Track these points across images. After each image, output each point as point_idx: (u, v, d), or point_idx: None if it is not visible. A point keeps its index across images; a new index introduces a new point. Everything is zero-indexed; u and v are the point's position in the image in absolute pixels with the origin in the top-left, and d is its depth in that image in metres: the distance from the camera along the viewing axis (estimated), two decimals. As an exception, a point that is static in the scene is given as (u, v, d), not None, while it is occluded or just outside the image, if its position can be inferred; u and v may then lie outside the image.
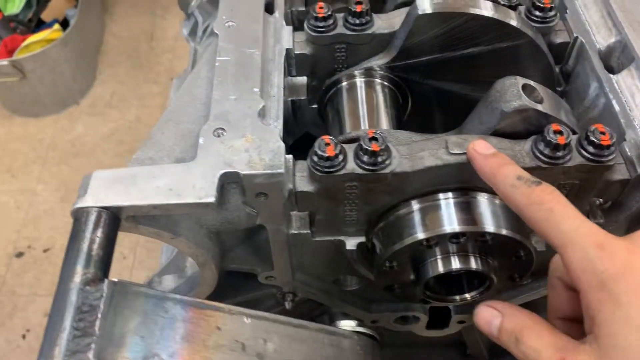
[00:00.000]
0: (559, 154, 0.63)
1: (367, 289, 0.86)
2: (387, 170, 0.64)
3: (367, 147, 0.63)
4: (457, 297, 0.75)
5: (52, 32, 2.61)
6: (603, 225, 0.73)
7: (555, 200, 0.54)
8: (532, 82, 0.67)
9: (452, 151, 0.64)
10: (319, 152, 0.64)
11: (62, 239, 2.48)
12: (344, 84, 0.82)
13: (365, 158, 0.64)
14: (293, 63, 0.81)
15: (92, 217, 0.58)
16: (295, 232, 0.74)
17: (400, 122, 0.81)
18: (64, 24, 2.77)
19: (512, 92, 0.65)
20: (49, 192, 2.61)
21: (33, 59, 2.53)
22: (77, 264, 0.55)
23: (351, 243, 0.75)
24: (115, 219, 0.59)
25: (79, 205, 0.59)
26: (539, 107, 0.65)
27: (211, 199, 0.59)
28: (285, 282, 0.81)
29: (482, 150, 0.62)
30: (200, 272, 0.71)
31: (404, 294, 0.76)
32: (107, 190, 0.60)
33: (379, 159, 0.64)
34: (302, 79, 0.85)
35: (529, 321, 0.54)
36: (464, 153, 0.64)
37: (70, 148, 2.75)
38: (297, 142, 0.92)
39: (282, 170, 0.62)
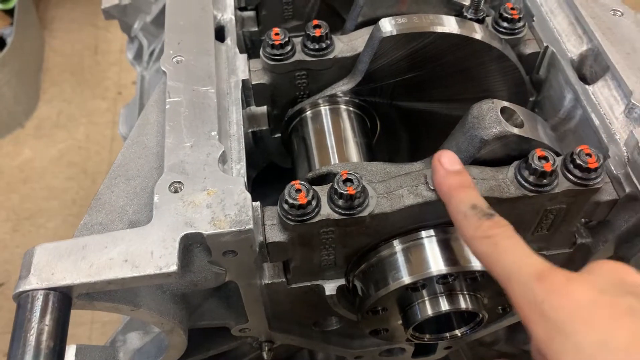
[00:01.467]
0: (545, 181, 0.59)
1: (348, 327, 0.81)
2: (364, 213, 0.59)
3: (342, 191, 0.58)
4: (447, 335, 0.70)
5: (-13, 54, 2.46)
6: (591, 244, 0.70)
7: (502, 234, 0.53)
8: (509, 105, 0.62)
9: (432, 187, 0.59)
10: (290, 200, 0.58)
11: (16, 273, 2.33)
12: (308, 112, 0.77)
13: (341, 202, 0.59)
14: (251, 94, 0.75)
15: (39, 302, 0.51)
16: (269, 281, 0.68)
17: (370, 149, 0.75)
18: (1, 43, 2.61)
19: (491, 118, 0.60)
20: (-2, 223, 2.47)
21: (-31, 84, 2.39)
22: (24, 360, 0.48)
23: (330, 287, 0.70)
24: (66, 300, 0.52)
25: (22, 288, 0.52)
26: (520, 131, 0.61)
27: (173, 267, 0.53)
28: (261, 332, 0.76)
29: (447, 164, 0.59)
30: (168, 339, 0.64)
31: (390, 335, 0.72)
32: (53, 267, 0.53)
33: (356, 202, 0.59)
34: (262, 109, 0.79)
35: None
36: (446, 189, 0.59)
37: (18, 174, 2.61)
38: (262, 173, 0.87)
39: (250, 226, 0.56)
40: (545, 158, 0.59)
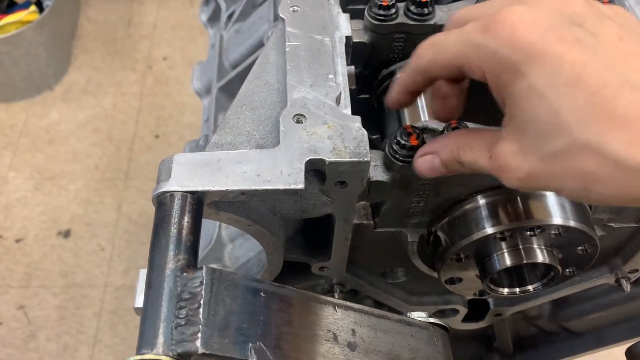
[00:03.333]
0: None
1: (411, 282, 0.86)
2: (467, 161, 0.64)
3: (451, 137, 0.63)
4: (517, 290, 0.75)
5: (28, 14, 2.50)
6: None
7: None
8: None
9: (532, 144, 0.65)
10: (402, 141, 0.63)
11: (35, 229, 2.39)
12: (400, 74, 0.82)
13: (447, 148, 0.64)
14: (349, 52, 0.80)
15: (179, 201, 0.56)
16: (358, 222, 0.73)
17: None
18: (38, 5, 2.65)
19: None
20: (21, 180, 2.50)
21: (7, 41, 2.42)
22: (169, 249, 0.53)
23: (413, 235, 0.74)
24: (200, 204, 0.57)
25: (164, 189, 0.56)
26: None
27: (300, 185, 0.58)
28: (338, 274, 0.80)
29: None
30: (268, 260, 0.69)
31: (461, 287, 0.77)
32: (191, 174, 0.57)
33: (460, 150, 0.64)
34: (351, 69, 0.83)
35: (459, 141, 0.57)
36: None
37: (44, 135, 2.65)
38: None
39: (368, 159, 0.61)
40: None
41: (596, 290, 0.90)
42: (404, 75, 0.62)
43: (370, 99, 0.86)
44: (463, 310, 0.92)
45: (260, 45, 1.00)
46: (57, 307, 2.19)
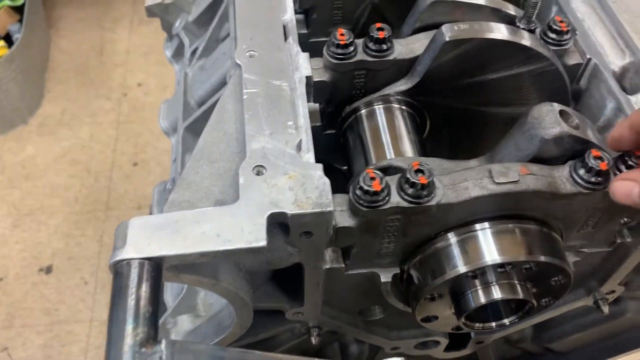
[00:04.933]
0: (600, 179, 0.64)
1: (390, 317, 0.85)
2: (432, 203, 0.63)
3: (414, 180, 0.62)
4: (494, 324, 0.74)
5: (-3, 49, 2.47)
6: (631, 244, 0.74)
7: None
8: (567, 108, 0.67)
9: (497, 180, 0.64)
10: (365, 187, 0.62)
11: (15, 267, 2.35)
12: (364, 111, 0.81)
13: (411, 191, 0.63)
14: (310, 91, 0.79)
15: (135, 270, 0.54)
16: (328, 266, 0.71)
17: (423, 146, 0.80)
18: (7, 40, 2.62)
19: (551, 119, 0.65)
20: (-2, 218, 2.46)
21: (-23, 77, 2.39)
22: (126, 323, 0.51)
23: (386, 275, 0.73)
24: (158, 270, 0.55)
25: (120, 257, 0.54)
26: (577, 132, 0.65)
27: (262, 242, 0.56)
28: (313, 317, 0.79)
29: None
30: (236, 315, 0.67)
31: (438, 324, 0.75)
32: (148, 239, 0.56)
33: (425, 192, 0.63)
34: (315, 106, 0.82)
35: None
36: (510, 182, 0.64)
37: (20, 170, 2.61)
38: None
39: (331, 208, 0.60)
40: (601, 158, 0.64)
41: (576, 311, 0.89)
42: None
43: (336, 134, 0.85)
44: (444, 341, 0.91)
45: (224, 82, 0.98)
46: (42, 346, 2.15)
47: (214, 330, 0.74)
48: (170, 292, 0.96)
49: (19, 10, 2.68)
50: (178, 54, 1.17)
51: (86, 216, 2.48)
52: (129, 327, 0.51)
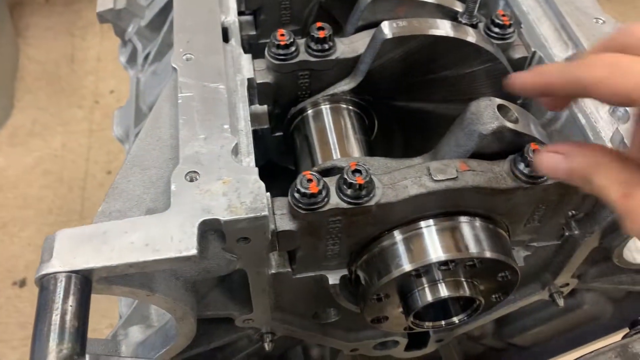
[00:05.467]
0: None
1: (346, 319, 0.84)
2: (371, 203, 0.62)
3: (351, 181, 0.61)
4: (443, 323, 0.74)
5: (-38, 60, 2.43)
6: (578, 236, 0.74)
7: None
8: (505, 102, 0.67)
9: (435, 178, 0.63)
10: (302, 189, 0.61)
11: (-10, 282, 2.31)
12: (310, 111, 0.80)
13: (349, 191, 0.62)
14: (255, 92, 0.78)
15: (62, 284, 0.52)
16: (275, 271, 0.70)
17: (370, 146, 0.79)
18: (-26, 50, 2.58)
19: (489, 114, 0.64)
20: (-30, 232, 2.42)
21: (-58, 90, 2.35)
22: (49, 339, 0.50)
23: (334, 277, 0.72)
24: (86, 283, 0.54)
25: (45, 271, 0.53)
26: (516, 126, 0.65)
27: (193, 251, 0.55)
28: (264, 323, 0.78)
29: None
30: (178, 325, 0.66)
31: (389, 324, 0.74)
32: (74, 251, 0.54)
33: (363, 192, 0.62)
34: (263, 108, 0.81)
35: (599, 157, 0.50)
36: (449, 179, 0.63)
37: (-9, 182, 2.57)
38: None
39: (265, 213, 0.58)
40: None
41: (534, 305, 0.88)
42: (556, 74, 0.52)
43: (284, 136, 0.84)
44: (404, 341, 0.90)
45: (175, 87, 0.97)
46: (17, 361, 2.12)
47: (161, 342, 0.72)
48: (125, 302, 0.95)
49: (-16, 20, 2.64)
50: (132, 59, 1.15)
51: (60, 227, 2.42)
52: (53, 344, 0.50)
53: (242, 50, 0.79)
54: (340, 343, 0.86)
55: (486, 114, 0.64)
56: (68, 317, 0.51)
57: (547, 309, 0.94)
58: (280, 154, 0.87)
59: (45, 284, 0.53)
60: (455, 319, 0.73)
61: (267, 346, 0.78)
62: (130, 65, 1.17)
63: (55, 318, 0.51)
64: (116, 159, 2.64)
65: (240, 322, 0.75)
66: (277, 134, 0.85)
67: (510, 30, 0.78)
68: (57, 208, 2.48)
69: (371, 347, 0.89)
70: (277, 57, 0.75)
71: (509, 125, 0.64)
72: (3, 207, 2.48)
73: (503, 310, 0.86)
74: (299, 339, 0.91)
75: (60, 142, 2.69)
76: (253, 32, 0.94)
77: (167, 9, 1.09)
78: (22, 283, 2.29)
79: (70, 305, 0.52)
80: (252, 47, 0.96)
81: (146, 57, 1.09)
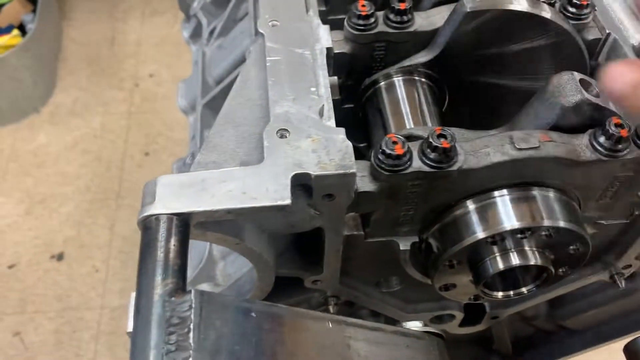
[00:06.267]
0: (620, 146, 0.65)
1: (406, 289, 0.86)
2: (454, 168, 0.64)
3: (436, 144, 0.63)
4: (512, 292, 0.75)
5: (11, 38, 2.49)
6: (647, 219, 0.75)
7: None
8: (587, 77, 0.68)
9: (518, 146, 0.65)
10: (387, 151, 0.63)
11: (28, 255, 2.37)
12: (383, 83, 0.82)
13: (433, 155, 0.63)
14: (331, 63, 0.80)
15: (164, 225, 0.55)
16: (348, 233, 0.72)
17: (443, 119, 0.80)
18: (21, 29, 2.65)
19: (571, 87, 0.66)
20: (11, 205, 2.48)
21: (-9, 65, 2.41)
22: (156, 274, 0.52)
23: (404, 243, 0.74)
24: (186, 226, 0.56)
25: (149, 212, 0.56)
26: (598, 100, 0.66)
27: (287, 201, 0.57)
28: (331, 286, 0.80)
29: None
30: (258, 277, 0.68)
31: (456, 293, 0.76)
32: (176, 196, 0.57)
33: (446, 157, 0.63)
34: (333, 79, 0.83)
35: None
36: (531, 148, 0.64)
37: (33, 158, 2.63)
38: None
39: (354, 170, 0.60)
40: (621, 125, 0.64)
41: (591, 287, 0.90)
42: None
43: (355, 108, 0.86)
44: (460, 315, 0.91)
45: (242, 60, 0.99)
46: (53, 332, 2.17)
47: (235, 296, 0.75)
48: (190, 264, 0.97)
49: (32, 0, 2.71)
50: (195, 34, 1.18)
51: (97, 204, 2.50)
52: (159, 278, 0.52)
53: (320, 21, 0.81)
54: (399, 313, 0.88)
55: (569, 87, 0.66)
56: (171, 255, 0.54)
57: (603, 292, 0.95)
58: (347, 127, 0.89)
59: (148, 224, 0.55)
60: (524, 289, 0.74)
61: (331, 309, 0.81)
62: (193, 41, 1.20)
63: (160, 255, 0.53)
64: (154, 142, 2.69)
65: (309, 282, 0.77)
66: (346, 105, 0.87)
67: (587, 11, 0.79)
68: (95, 186, 2.53)
69: (428, 319, 0.91)
70: (356, 27, 0.77)
71: (591, 98, 0.66)
72: (43, 183, 2.54)
73: (562, 289, 0.87)
74: (354, 308, 0.93)
75: (99, 122, 2.75)
76: (323, 8, 0.96)
77: (233, -15, 1.11)
78: (60, 257, 2.35)
79: (174, 245, 0.54)
80: (323, 23, 0.98)
81: (211, 32, 1.12)
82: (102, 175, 2.59)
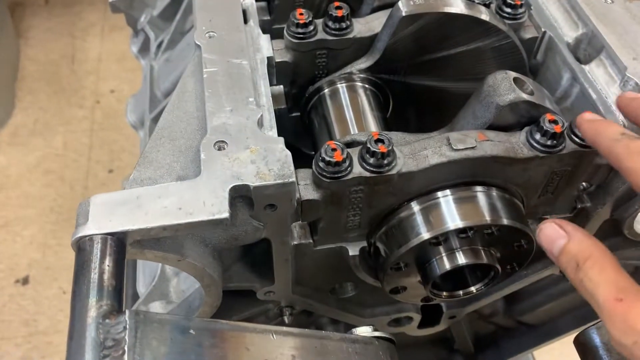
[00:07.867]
0: (555, 142, 0.66)
1: (362, 294, 0.86)
2: (393, 172, 0.64)
3: (374, 149, 0.63)
4: (461, 292, 0.75)
5: (-36, 60, 2.44)
6: (590, 209, 0.76)
7: None
8: (521, 76, 0.69)
9: (455, 147, 0.65)
10: (326, 158, 0.63)
11: (-7, 280, 2.31)
12: (327, 90, 0.82)
13: (372, 160, 0.64)
14: (273, 72, 0.80)
15: (98, 245, 0.54)
16: (297, 242, 0.72)
17: (387, 123, 0.81)
18: (-25, 50, 2.59)
19: (505, 86, 0.67)
20: (-27, 230, 2.42)
21: (-55, 89, 2.35)
22: (89, 296, 0.51)
23: (354, 249, 0.74)
24: (121, 245, 0.55)
25: (82, 233, 0.55)
26: (532, 98, 0.67)
27: (225, 214, 0.57)
28: (284, 296, 0.79)
29: (590, 117, 0.64)
30: (205, 293, 0.68)
31: (407, 295, 0.76)
32: (109, 215, 0.56)
33: (385, 161, 0.64)
34: (279, 88, 0.83)
35: (595, 251, 0.51)
36: (468, 148, 0.65)
37: (-7, 182, 2.57)
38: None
39: (293, 179, 0.60)
40: (555, 121, 0.65)
41: (544, 282, 0.91)
42: (605, 144, 0.60)
43: (301, 116, 0.86)
44: (417, 317, 0.92)
45: (190, 72, 0.98)
46: (21, 359, 2.12)
47: (185, 313, 0.74)
48: (143, 282, 0.96)
49: (-14, 20, 2.66)
50: (144, 49, 1.17)
51: (62, 225, 2.45)
52: (92, 300, 0.51)
53: (260, 31, 0.81)
54: (357, 318, 0.88)
55: (503, 86, 0.67)
56: (106, 276, 0.53)
57: (557, 285, 0.96)
58: (297, 135, 0.89)
59: (82, 245, 0.54)
60: (473, 289, 0.75)
61: (286, 319, 0.80)
62: (142, 55, 1.19)
63: (94, 277, 0.52)
64: (118, 159, 2.65)
65: (262, 294, 0.77)
66: (294, 114, 0.87)
67: (521, 10, 0.81)
68: (58, 207, 2.49)
69: (386, 323, 0.91)
70: (296, 35, 0.77)
71: (525, 96, 0.66)
72: (5, 206, 2.49)
73: (515, 286, 0.88)
74: (314, 317, 0.93)
75: (61, 141, 2.70)
76: (267, 17, 0.96)
77: (179, -1, 1.11)
78: (25, 281, 2.30)
79: (108, 265, 0.53)
80: (266, 32, 0.98)
81: (159, 46, 1.11)
82: (66, 195, 2.54)
